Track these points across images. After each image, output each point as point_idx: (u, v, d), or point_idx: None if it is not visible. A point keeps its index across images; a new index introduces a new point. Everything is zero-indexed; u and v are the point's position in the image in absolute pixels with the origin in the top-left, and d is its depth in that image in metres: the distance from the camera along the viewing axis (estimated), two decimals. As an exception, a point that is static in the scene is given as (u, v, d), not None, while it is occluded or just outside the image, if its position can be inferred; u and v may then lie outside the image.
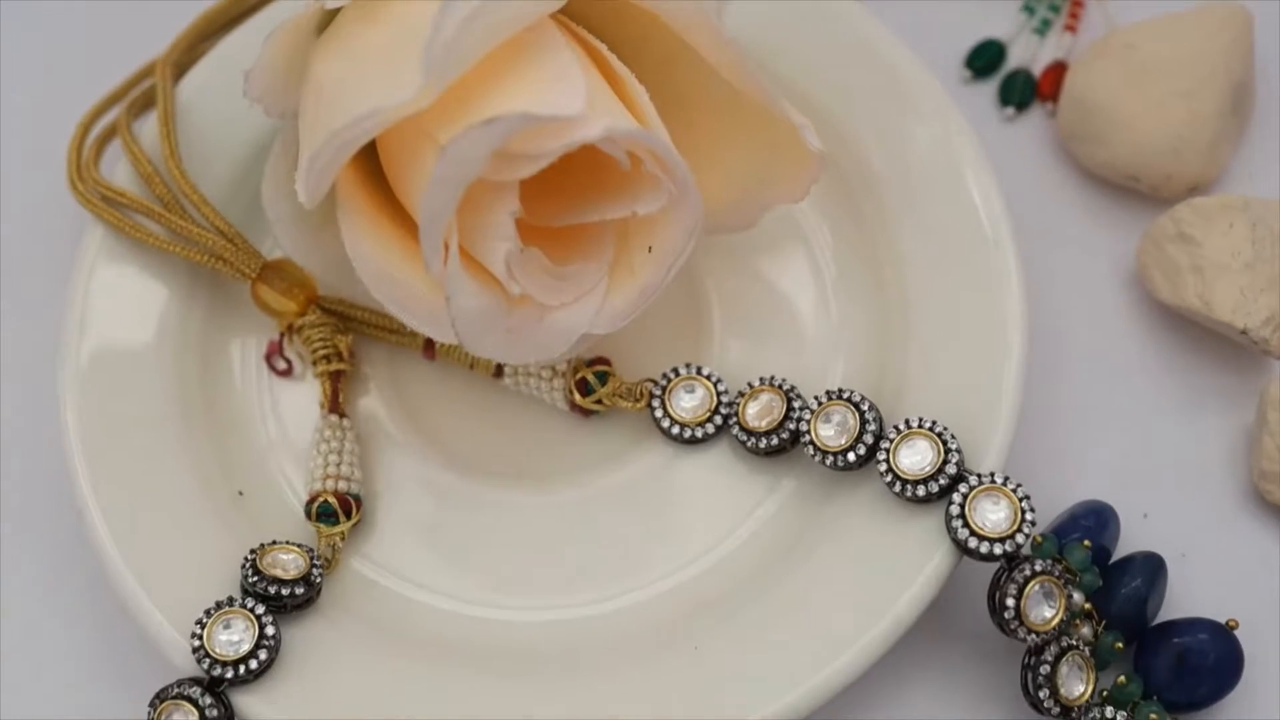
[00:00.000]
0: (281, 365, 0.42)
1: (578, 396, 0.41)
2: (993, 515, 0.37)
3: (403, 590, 0.40)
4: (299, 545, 0.39)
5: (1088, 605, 0.38)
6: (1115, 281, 0.44)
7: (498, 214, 0.36)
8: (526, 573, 0.40)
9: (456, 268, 0.36)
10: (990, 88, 0.48)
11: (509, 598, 0.40)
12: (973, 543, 0.37)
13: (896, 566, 0.38)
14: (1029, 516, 0.37)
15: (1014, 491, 0.37)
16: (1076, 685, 0.38)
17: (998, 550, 0.37)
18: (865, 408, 0.39)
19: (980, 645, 0.40)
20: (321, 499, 0.40)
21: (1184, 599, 0.40)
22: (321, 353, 0.42)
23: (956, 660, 0.40)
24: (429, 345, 0.42)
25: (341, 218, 0.39)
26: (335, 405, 0.41)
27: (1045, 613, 0.37)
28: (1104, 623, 0.39)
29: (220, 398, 0.42)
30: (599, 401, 0.41)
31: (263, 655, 0.37)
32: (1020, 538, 0.37)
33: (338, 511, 0.40)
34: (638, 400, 0.41)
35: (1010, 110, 0.47)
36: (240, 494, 0.41)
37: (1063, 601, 0.37)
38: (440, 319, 0.37)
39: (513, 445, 0.42)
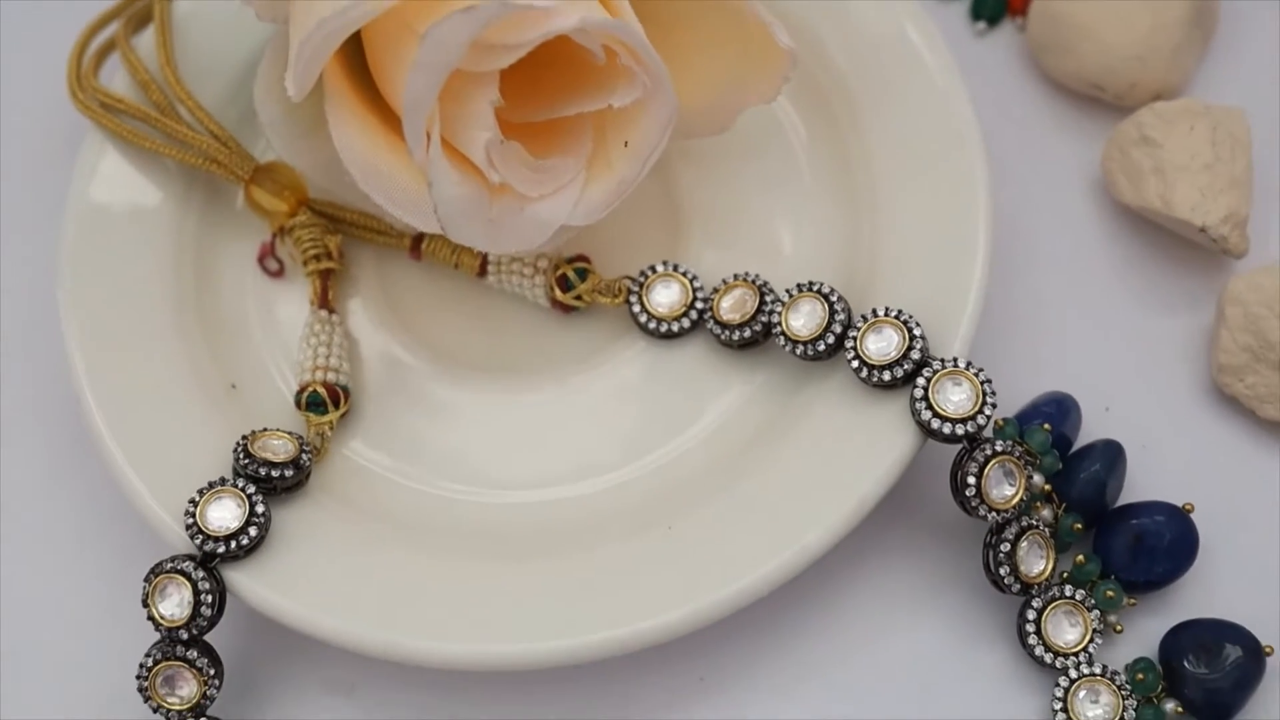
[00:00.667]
0: (273, 266, 0.44)
1: (558, 293, 0.42)
2: (955, 397, 0.39)
3: (389, 477, 0.41)
4: (289, 432, 0.41)
5: (1047, 487, 0.40)
6: (1081, 187, 0.45)
7: (478, 103, 0.38)
8: (508, 460, 0.42)
9: (438, 154, 0.37)
10: (962, 5, 0.49)
11: (491, 484, 0.41)
12: (935, 424, 0.38)
13: (863, 449, 0.39)
14: (990, 399, 0.39)
15: (976, 375, 0.39)
16: (1036, 563, 0.40)
17: (960, 431, 0.38)
18: (834, 299, 0.40)
19: (945, 529, 0.41)
20: (311, 389, 0.41)
21: (1143, 488, 0.41)
22: (312, 252, 0.43)
23: (923, 543, 0.41)
24: (415, 246, 0.43)
25: (330, 114, 0.40)
26: (325, 301, 0.43)
27: (1006, 491, 0.39)
28: (1064, 505, 0.40)
29: (213, 298, 0.43)
30: (579, 297, 0.42)
31: (253, 532, 0.39)
32: (981, 419, 0.38)
33: (326, 401, 0.41)
34: (616, 296, 0.42)
35: (981, 25, 0.48)
36: (233, 387, 0.42)
37: (1022, 481, 0.39)
38: (424, 208, 0.39)
39: (496, 341, 0.43)
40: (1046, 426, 0.39)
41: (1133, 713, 0.38)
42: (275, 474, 0.39)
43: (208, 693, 0.39)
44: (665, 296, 0.42)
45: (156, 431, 0.41)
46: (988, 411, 0.38)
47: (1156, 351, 0.43)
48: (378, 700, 0.40)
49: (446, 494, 0.41)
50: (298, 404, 0.41)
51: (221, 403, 0.42)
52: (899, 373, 0.39)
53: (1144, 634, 0.40)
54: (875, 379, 0.39)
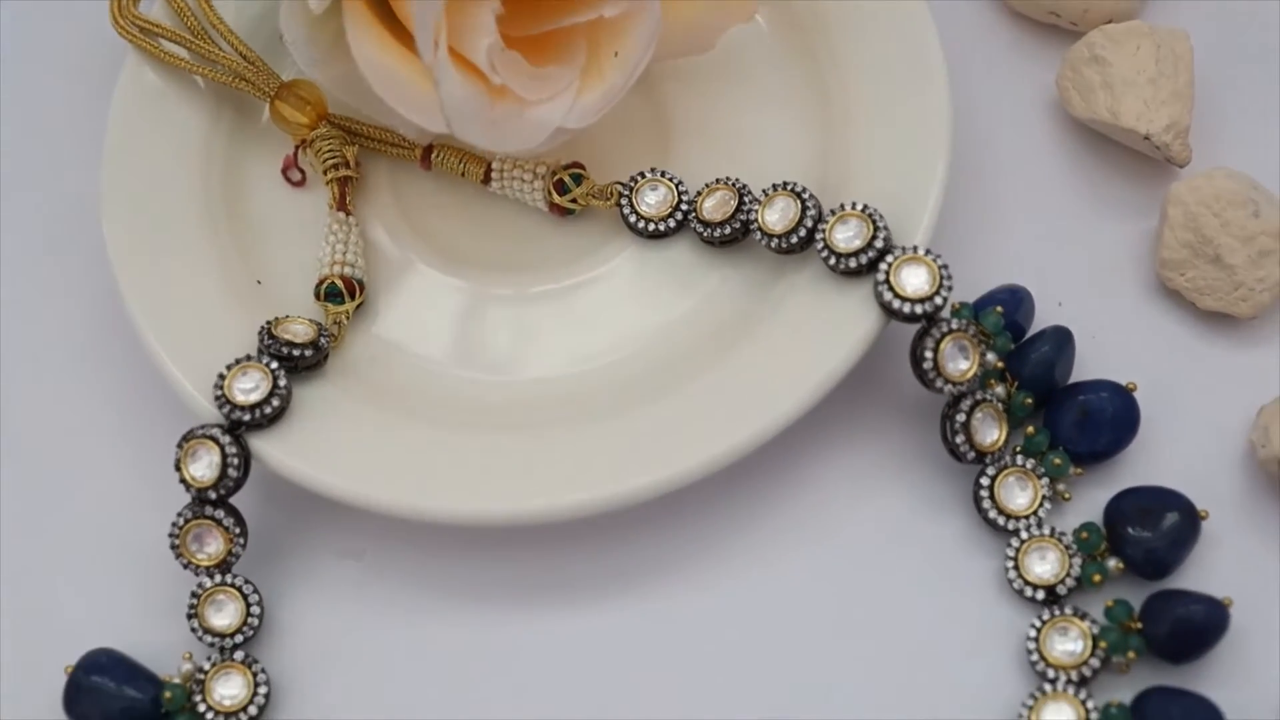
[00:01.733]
0: (296, 177, 0.48)
1: (555, 196, 0.46)
2: (914, 280, 0.42)
3: (400, 361, 0.45)
4: (309, 320, 0.45)
5: (1000, 365, 0.43)
6: (1038, 104, 0.49)
7: (481, 14, 0.42)
8: (510, 346, 0.45)
9: (445, 58, 0.41)
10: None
11: (495, 367, 0.45)
12: (896, 304, 0.42)
13: (831, 330, 0.43)
14: (946, 282, 0.42)
15: (934, 261, 0.42)
16: (990, 433, 0.43)
17: (918, 310, 0.42)
18: (806, 196, 0.44)
19: (908, 410, 0.45)
20: (329, 281, 0.45)
21: (1091, 372, 0.45)
22: (331, 161, 0.47)
23: (888, 423, 0.45)
24: (425, 156, 0.47)
25: (349, 30, 0.44)
26: (343, 205, 0.46)
27: (961, 365, 0.42)
28: (1016, 384, 0.44)
29: (241, 205, 0.47)
30: (574, 201, 0.46)
31: (275, 403, 0.43)
32: (939, 300, 0.42)
33: (343, 292, 0.45)
34: (608, 199, 0.46)
35: (950, -38, 0.52)
36: (259, 283, 0.46)
37: (976, 357, 0.42)
38: (432, 109, 0.43)
39: (499, 242, 0.47)
40: (999, 310, 0.43)
41: (1078, 570, 0.42)
42: (296, 353, 0.43)
43: (234, 550, 0.43)
44: (653, 199, 0.46)
45: (188, 319, 0.45)
46: (944, 293, 0.42)
47: (1106, 252, 0.47)
48: (385, 564, 0.44)
49: (453, 376, 0.45)
50: (317, 295, 0.45)
51: (247, 297, 0.46)
52: (863, 260, 0.43)
53: (1090, 503, 0.43)
54: (842, 266, 0.43)
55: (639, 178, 0.46)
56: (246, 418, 0.43)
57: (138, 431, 0.46)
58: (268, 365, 0.43)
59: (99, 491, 0.46)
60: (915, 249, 0.43)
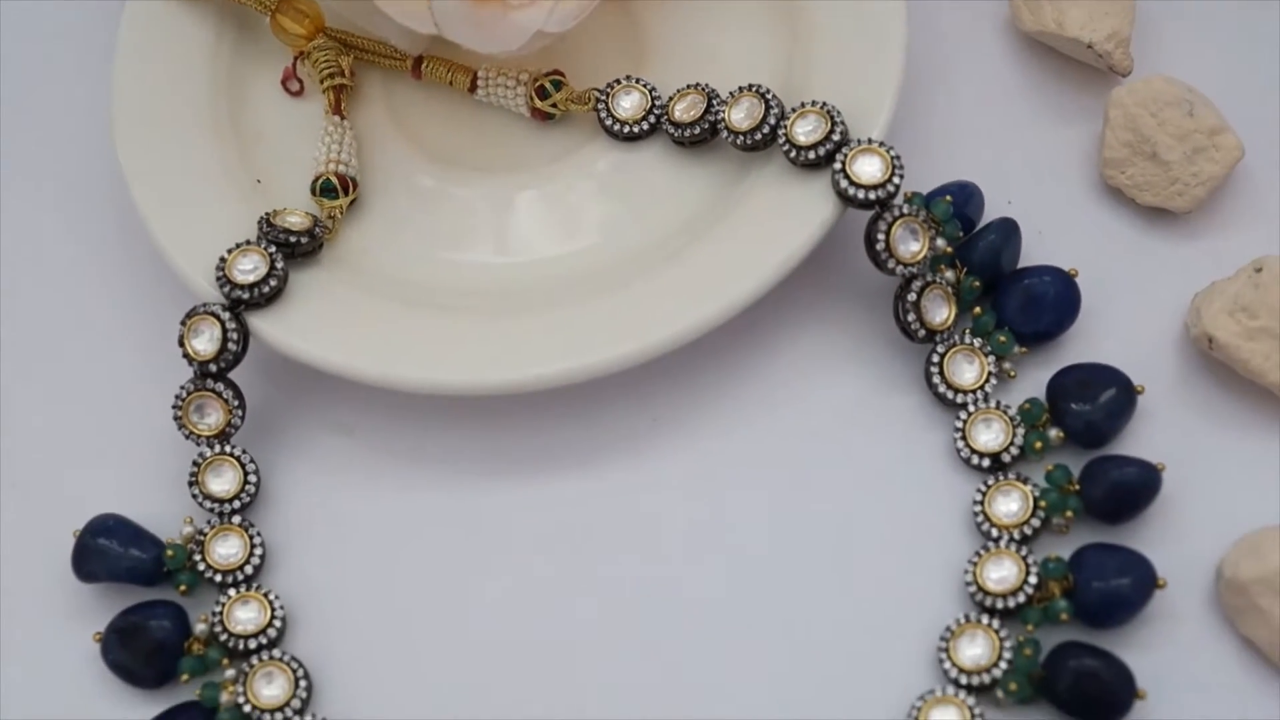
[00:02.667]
0: (295, 87, 0.51)
1: (537, 101, 0.49)
2: (868, 168, 0.45)
3: (391, 252, 0.48)
4: (306, 212, 0.48)
5: (950, 250, 0.46)
6: (990, 21, 0.52)
7: (467, -81, 0.45)
8: (494, 238, 0.48)
9: (433, -40, 0.44)
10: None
11: (480, 256, 0.48)
12: (851, 190, 0.45)
13: (791, 217, 0.46)
14: (899, 170, 0.45)
15: (888, 151, 0.45)
16: (939, 312, 0.46)
17: (872, 197, 0.45)
18: (769, 96, 0.47)
19: (865, 296, 0.48)
20: (324, 177, 0.48)
21: (1037, 263, 0.48)
22: (327, 70, 0.50)
23: (845, 308, 0.48)
24: (416, 67, 0.50)
25: (343, -60, 0.47)
26: (338, 109, 0.49)
27: (912, 246, 0.45)
28: (965, 270, 0.47)
29: (243, 114, 0.50)
30: (554, 105, 0.49)
31: (273, 283, 0.46)
32: (890, 187, 0.45)
33: (337, 188, 0.48)
34: (585, 104, 0.49)
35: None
36: (259, 182, 0.49)
37: (926, 240, 0.45)
38: (422, 12, 0.46)
39: (484, 146, 0.50)
40: (949, 199, 0.46)
41: (1021, 439, 0.45)
42: (293, 239, 0.46)
43: (232, 421, 0.46)
44: (628, 103, 0.49)
45: (192, 213, 0.48)
46: (896, 180, 0.45)
47: (1052, 155, 0.50)
48: (375, 437, 0.47)
49: (441, 263, 0.48)
50: (313, 190, 0.48)
51: (248, 195, 0.49)
52: (822, 152, 0.46)
53: (1034, 381, 0.46)
54: (802, 159, 0.46)
55: (615, 84, 0.49)
56: (245, 296, 0.46)
57: (144, 316, 0.49)
58: (266, 249, 0.46)
59: (106, 373, 0.49)
60: (870, 140, 0.46)
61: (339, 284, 0.47)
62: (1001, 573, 0.43)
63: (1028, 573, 0.43)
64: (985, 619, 0.43)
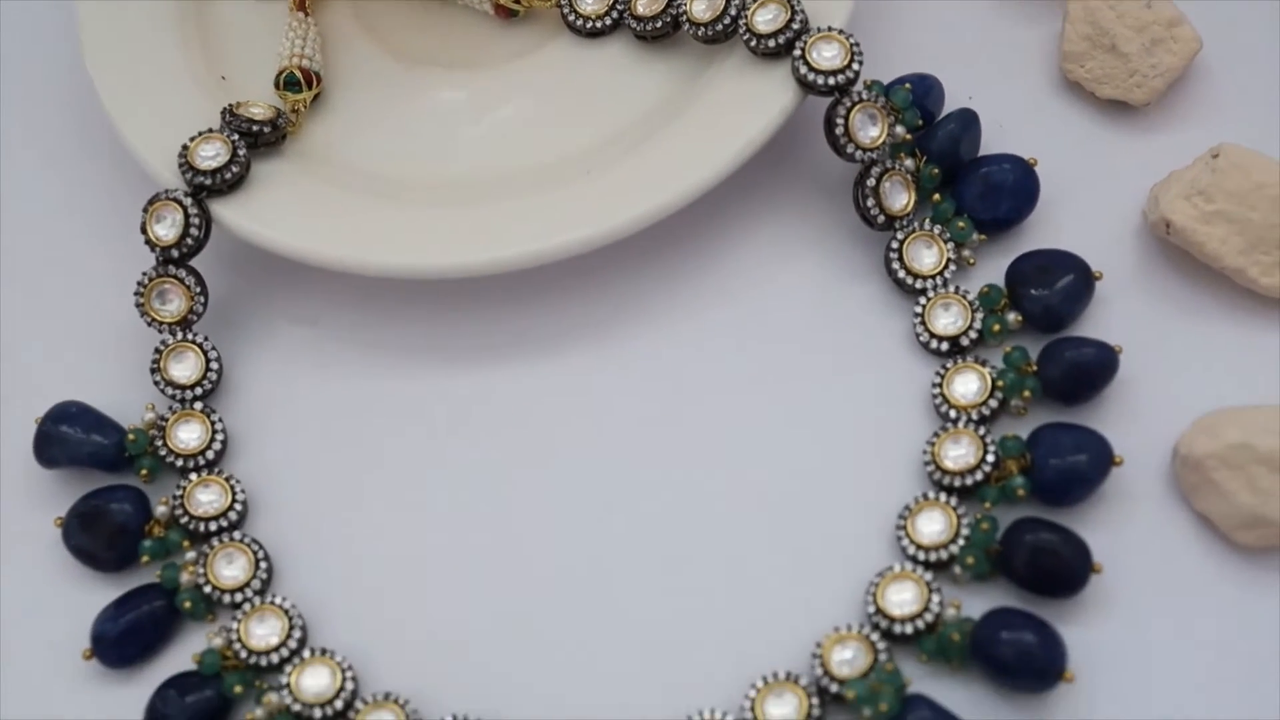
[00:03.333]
0: (262, -12, 0.51)
1: (501, -2, 0.50)
2: (827, 54, 0.45)
3: (354, 145, 0.48)
4: (269, 104, 0.48)
5: (909, 137, 0.46)
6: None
7: None
8: (458, 130, 0.48)
9: None
10: None
11: (443, 149, 0.48)
12: (811, 77, 0.45)
13: (752, 106, 0.46)
14: (858, 56, 0.45)
15: (847, 39, 0.46)
16: (899, 198, 0.46)
17: (831, 82, 0.45)
18: (731, -12, 0.47)
19: (827, 188, 0.48)
20: (287, 71, 0.48)
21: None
22: (292, -32, 0.50)
23: (807, 200, 0.48)
24: (380, -35, 0.51)
25: None
26: (302, 5, 0.50)
27: (871, 132, 0.45)
28: (925, 159, 0.47)
29: (208, 11, 0.51)
30: (518, 2, 0.49)
31: (235, 169, 0.46)
32: (850, 73, 0.45)
33: (301, 81, 0.48)
34: (548, 0, 0.49)
35: None
36: (223, 79, 0.49)
37: (885, 125, 0.45)
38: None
39: (449, 43, 0.50)
40: (908, 86, 0.46)
41: (979, 323, 0.45)
42: (255, 128, 0.46)
43: (194, 308, 0.46)
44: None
45: (155, 105, 0.48)
46: (856, 66, 0.45)
47: (1014, 53, 0.50)
48: (338, 328, 0.47)
49: (404, 156, 0.48)
50: (276, 84, 0.48)
51: (212, 91, 0.49)
52: (781, 40, 0.46)
53: (993, 269, 0.46)
54: (762, 48, 0.46)
55: (578, -18, 0.50)
56: (208, 182, 0.46)
57: (107, 209, 0.49)
58: (229, 138, 0.46)
59: (68, 264, 0.49)
60: (829, 28, 0.46)
61: (302, 175, 0.47)
62: (959, 451, 0.43)
63: (985, 451, 0.43)
64: (943, 497, 0.43)
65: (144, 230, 0.45)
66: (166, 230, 0.45)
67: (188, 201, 0.45)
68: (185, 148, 0.46)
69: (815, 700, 0.41)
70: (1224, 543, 0.42)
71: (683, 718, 0.41)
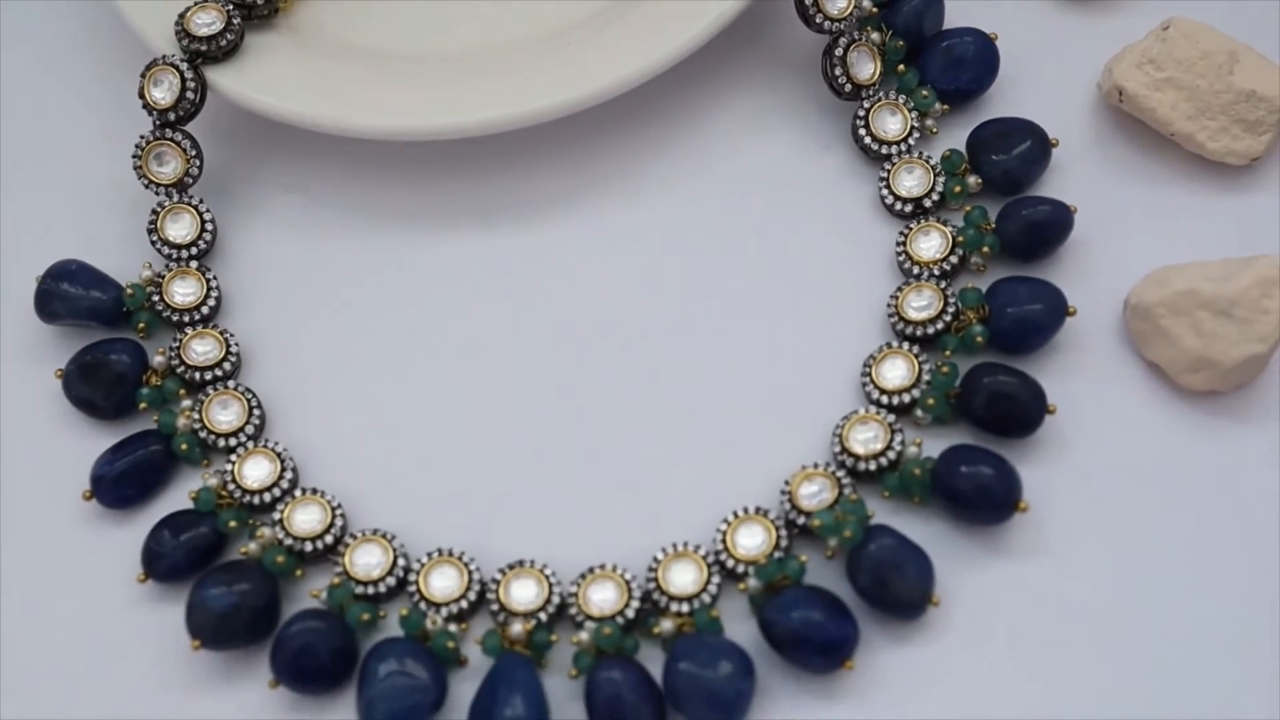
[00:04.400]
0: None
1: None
2: (796, -73, 0.48)
3: (345, 22, 0.50)
4: (261, -16, 0.50)
5: (875, 11, 0.48)
6: None
7: None
8: (440, 8, 0.50)
9: None
10: None
11: (430, 29, 0.50)
12: (782, -50, 0.48)
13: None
14: (827, -70, 0.48)
15: (817, -84, 0.48)
16: (865, 68, 0.48)
17: (802, -45, 0.48)
18: None
19: (797, 65, 0.50)
20: (278, -50, 0.51)
21: (961, 36, 0.51)
22: None
23: (778, 75, 0.50)
24: None
25: None
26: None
27: (840, 3, 0.47)
28: (890, 33, 0.49)
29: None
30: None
31: (230, 37, 0.48)
32: (819, -50, 0.48)
33: (291, -38, 0.51)
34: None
35: None
36: (217, -39, 0.51)
37: (853, -2, 0.48)
38: None
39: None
40: (874, -39, 0.49)
41: (942, 186, 0.47)
42: (249, 0, 0.48)
43: (190, 171, 0.48)
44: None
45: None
46: (824, -58, 0.48)
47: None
48: (327, 195, 0.49)
49: (391, 32, 0.50)
50: (268, -35, 0.51)
51: (207, -29, 0.51)
52: (755, -83, 0.48)
53: (955, 139, 0.49)
54: (736, -73, 0.48)
55: None
56: (203, 49, 0.48)
57: (105, 80, 0.51)
58: (224, 7, 0.48)
59: (67, 132, 0.51)
60: (801, -93, 0.48)
61: (294, 47, 0.49)
62: (922, 302, 0.46)
63: (946, 302, 0.45)
64: (906, 346, 0.45)
65: (141, 94, 0.47)
66: (163, 94, 0.47)
67: (184, 66, 0.47)
68: (182, 15, 0.48)
69: (783, 532, 0.43)
70: (1170, 387, 0.45)
71: (654, 550, 0.43)
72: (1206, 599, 0.42)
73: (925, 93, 0.48)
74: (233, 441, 0.45)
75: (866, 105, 0.48)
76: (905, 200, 0.47)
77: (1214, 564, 0.42)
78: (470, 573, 0.43)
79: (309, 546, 0.43)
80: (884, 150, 0.48)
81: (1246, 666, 0.41)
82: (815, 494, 0.43)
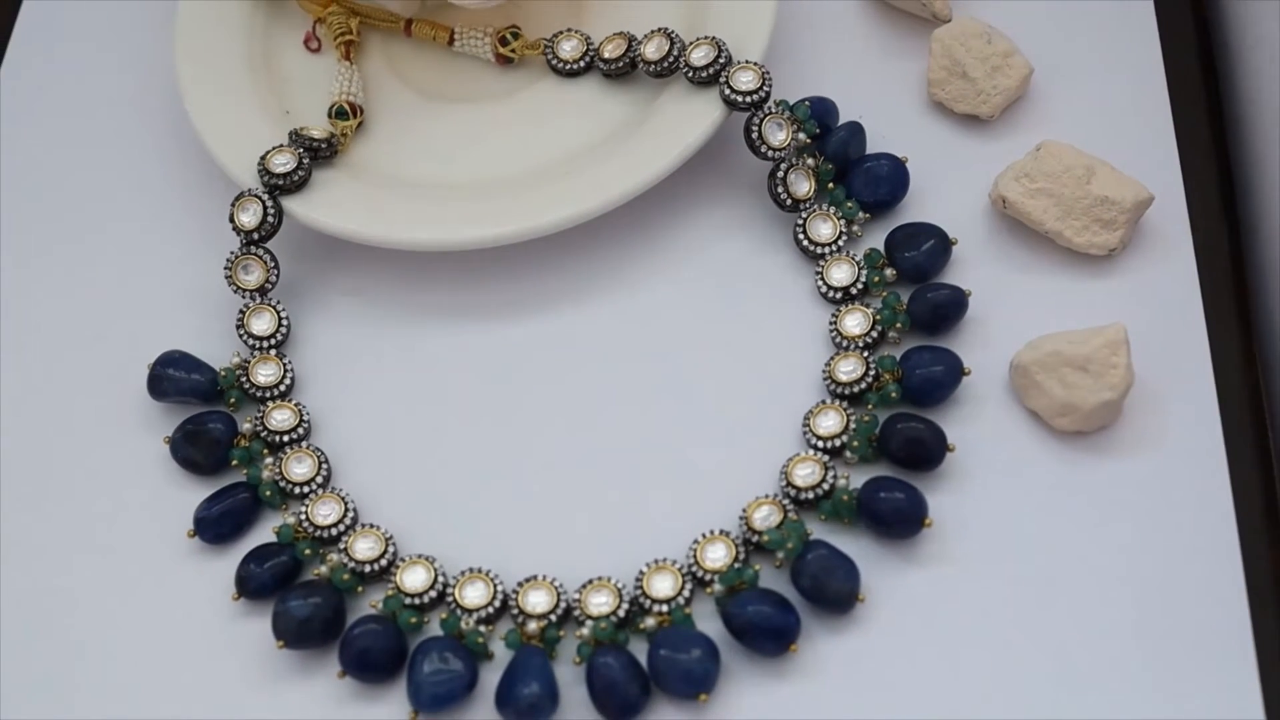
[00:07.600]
0: (314, 45, 0.66)
1: (499, 48, 0.64)
2: (745, 79, 0.60)
3: (388, 160, 0.63)
4: (325, 129, 0.62)
5: (809, 141, 0.61)
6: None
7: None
8: (469, 146, 0.63)
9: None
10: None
11: (456, 161, 0.63)
12: (733, 96, 0.60)
13: (690, 121, 0.61)
14: (768, 81, 0.60)
15: (759, 68, 0.61)
16: (802, 186, 0.61)
17: (748, 100, 0.60)
18: (673, 34, 0.62)
19: (748, 187, 0.63)
20: (338, 104, 0.63)
21: (881, 159, 0.63)
22: (339, 30, 0.65)
23: (733, 194, 0.63)
24: (407, 27, 0.66)
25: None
26: (348, 56, 0.65)
27: (779, 136, 0.60)
28: (823, 158, 0.61)
29: (275, 64, 0.66)
30: (513, 51, 0.64)
31: (301, 174, 0.61)
32: (763, 93, 0.60)
33: (349, 112, 0.63)
34: (536, 49, 0.64)
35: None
36: (287, 113, 0.64)
37: (790, 132, 0.60)
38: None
39: (458, 82, 0.66)
40: (807, 103, 0.61)
41: (865, 277, 0.59)
42: (315, 145, 0.61)
43: (270, 279, 0.60)
44: (568, 47, 0.64)
45: (238, 130, 0.63)
46: (767, 88, 0.60)
47: (892, 82, 0.65)
48: (379, 296, 0.62)
49: (428, 166, 0.63)
50: (329, 114, 0.63)
51: (279, 120, 0.64)
52: (712, 71, 0.61)
53: (875, 240, 0.61)
54: (697, 77, 0.61)
55: (559, 34, 0.65)
56: (280, 183, 0.60)
57: (198, 211, 0.64)
58: (296, 151, 0.61)
59: (169, 253, 0.64)
60: (747, 60, 0.61)
61: (351, 180, 0.62)
62: (849, 368, 0.57)
63: (868, 368, 0.57)
64: (838, 402, 0.57)
65: (231, 219, 0.60)
66: (249, 219, 0.60)
67: (265, 197, 0.60)
68: (263, 157, 0.61)
69: (742, 548, 0.54)
70: (1046, 429, 0.56)
71: (640, 564, 0.54)
72: (1075, 598, 0.53)
73: (851, 204, 0.61)
74: (306, 489, 0.57)
75: (804, 215, 0.61)
76: (836, 289, 0.59)
77: (1082, 570, 0.54)
78: (495, 585, 0.54)
79: (368, 569, 0.55)
80: (819, 250, 0.60)
81: (1107, 657, 0.52)
82: (766, 517, 0.54)
